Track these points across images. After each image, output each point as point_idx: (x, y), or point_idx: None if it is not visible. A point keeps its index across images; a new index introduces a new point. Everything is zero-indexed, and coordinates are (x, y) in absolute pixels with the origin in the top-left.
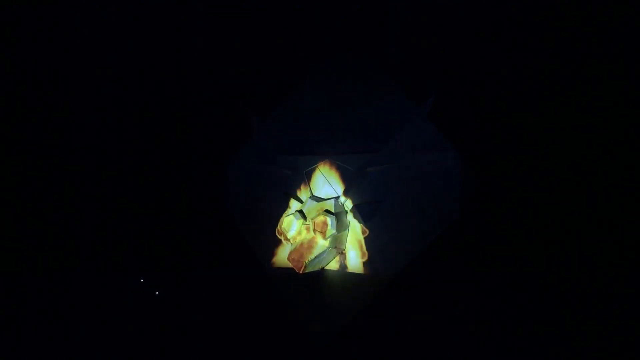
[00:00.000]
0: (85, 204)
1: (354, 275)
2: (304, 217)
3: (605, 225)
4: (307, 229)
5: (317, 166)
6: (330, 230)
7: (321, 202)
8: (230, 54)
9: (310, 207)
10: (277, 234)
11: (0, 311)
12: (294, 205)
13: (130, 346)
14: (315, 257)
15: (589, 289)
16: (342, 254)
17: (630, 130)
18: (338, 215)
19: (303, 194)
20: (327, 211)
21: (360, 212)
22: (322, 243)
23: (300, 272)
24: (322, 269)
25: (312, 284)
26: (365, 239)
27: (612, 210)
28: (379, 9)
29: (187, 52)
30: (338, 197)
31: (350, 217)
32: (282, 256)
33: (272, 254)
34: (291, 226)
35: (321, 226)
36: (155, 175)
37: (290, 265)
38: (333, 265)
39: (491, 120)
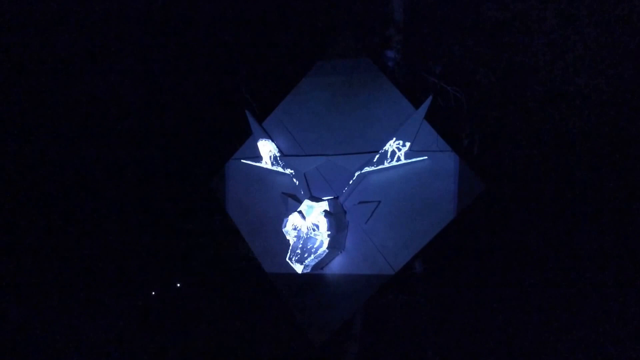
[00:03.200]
0: (84, 204)
1: (353, 275)
2: (303, 217)
3: (603, 224)
4: (307, 229)
5: (316, 167)
6: (329, 230)
7: (320, 203)
8: (230, 56)
9: (309, 207)
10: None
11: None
12: (293, 206)
13: (130, 347)
14: (314, 257)
15: (587, 287)
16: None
17: (629, 133)
18: (336, 215)
19: (302, 194)
20: (326, 211)
21: (359, 212)
22: (321, 243)
23: (300, 272)
24: (322, 269)
25: (311, 283)
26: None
27: (611, 211)
28: (378, 11)
29: (187, 54)
30: (337, 198)
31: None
32: (282, 256)
33: (271, 254)
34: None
35: (320, 226)
36: (154, 176)
37: (289, 265)
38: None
39: (488, 121)
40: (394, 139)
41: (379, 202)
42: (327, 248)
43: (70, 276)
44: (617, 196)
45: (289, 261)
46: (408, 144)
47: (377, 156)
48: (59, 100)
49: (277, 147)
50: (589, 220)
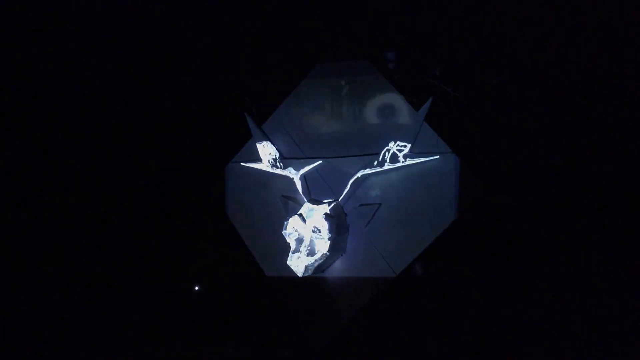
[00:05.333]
0: (83, 206)
1: (354, 278)
2: (304, 220)
3: (607, 226)
4: (307, 232)
5: (316, 169)
6: (330, 233)
7: (320, 206)
8: (230, 58)
9: (309, 210)
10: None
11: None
12: (294, 208)
13: (128, 350)
14: (315, 260)
15: (589, 290)
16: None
17: (631, 134)
18: (337, 218)
19: (302, 197)
20: (327, 214)
21: (359, 214)
22: (321, 246)
23: (301, 275)
24: (322, 272)
25: (312, 286)
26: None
27: (614, 213)
28: (378, 13)
29: (187, 56)
30: (337, 200)
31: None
32: (282, 260)
33: (271, 257)
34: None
35: (321, 229)
36: (152, 179)
37: (290, 268)
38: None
39: (489, 123)
40: (394, 141)
41: (380, 204)
42: (328, 251)
43: (68, 278)
44: (620, 198)
45: (289, 264)
46: (408, 146)
47: (378, 158)
48: (58, 101)
49: (277, 149)
50: (592, 222)
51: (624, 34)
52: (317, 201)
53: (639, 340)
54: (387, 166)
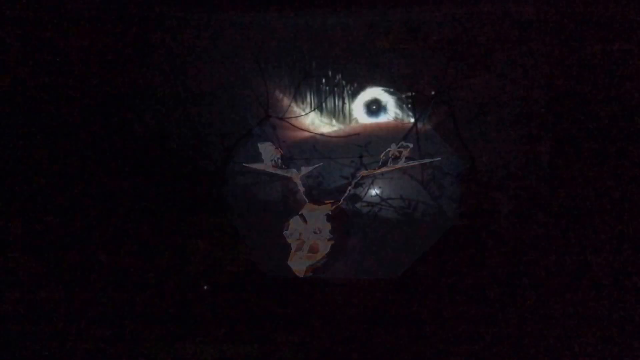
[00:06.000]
0: (82, 204)
1: (355, 279)
2: (305, 220)
3: (611, 228)
4: (308, 232)
5: (317, 170)
6: (331, 234)
7: (322, 206)
8: (230, 57)
9: (310, 210)
10: None
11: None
12: (295, 209)
13: (126, 351)
14: (316, 261)
15: (592, 292)
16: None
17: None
18: (338, 219)
19: (303, 197)
20: (328, 215)
21: (360, 215)
22: (322, 247)
23: (302, 276)
24: (323, 273)
25: (312, 288)
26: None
27: (618, 215)
28: (379, 14)
29: (187, 55)
30: (338, 201)
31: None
32: (283, 260)
33: (272, 258)
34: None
35: (322, 230)
36: (153, 179)
37: (291, 269)
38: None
39: (491, 125)
40: (396, 142)
41: (381, 205)
42: (329, 252)
43: (66, 278)
44: (623, 198)
45: (290, 265)
46: (410, 147)
47: (379, 159)
48: (57, 100)
49: (278, 149)
50: (595, 223)
51: (623, 34)
52: (318, 202)
53: (638, 341)
54: (388, 167)
